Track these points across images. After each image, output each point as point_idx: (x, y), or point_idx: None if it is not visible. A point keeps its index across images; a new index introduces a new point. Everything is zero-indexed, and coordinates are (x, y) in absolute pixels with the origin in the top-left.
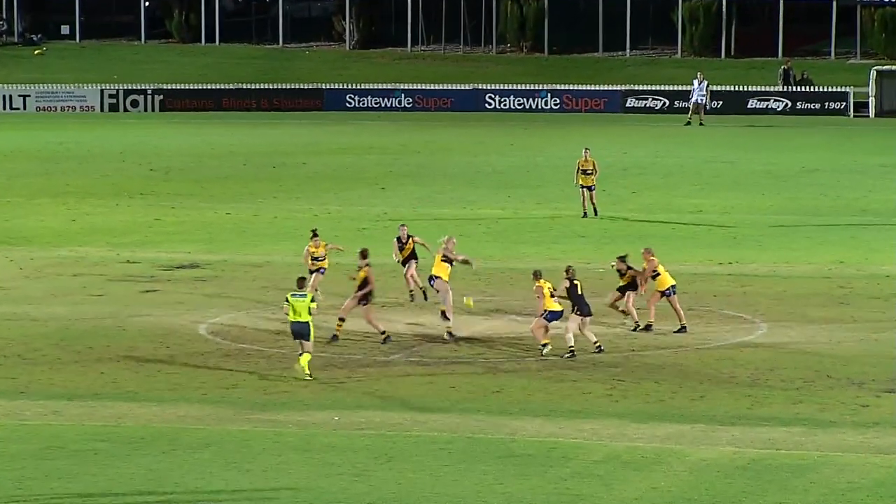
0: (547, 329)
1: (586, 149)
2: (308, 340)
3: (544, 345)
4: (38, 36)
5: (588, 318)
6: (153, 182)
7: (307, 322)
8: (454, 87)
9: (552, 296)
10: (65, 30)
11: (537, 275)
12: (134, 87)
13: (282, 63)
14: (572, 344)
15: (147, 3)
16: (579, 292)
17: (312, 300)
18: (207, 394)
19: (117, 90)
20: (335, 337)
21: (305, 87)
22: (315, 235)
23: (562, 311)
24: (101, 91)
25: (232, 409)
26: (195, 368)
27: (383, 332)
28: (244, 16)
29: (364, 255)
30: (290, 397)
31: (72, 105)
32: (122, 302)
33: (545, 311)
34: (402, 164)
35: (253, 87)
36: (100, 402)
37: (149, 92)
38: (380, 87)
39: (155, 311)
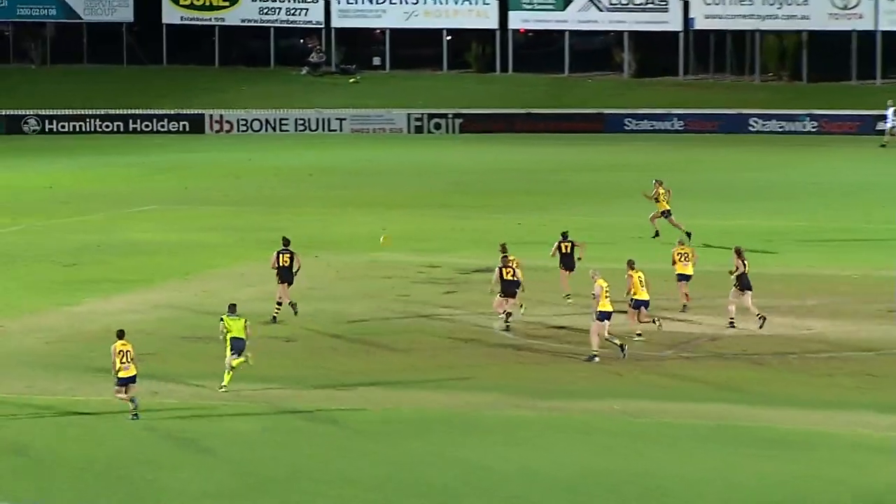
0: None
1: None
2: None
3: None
4: (353, 66)
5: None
6: (451, 195)
7: (244, 339)
8: (721, 112)
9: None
10: (376, 61)
11: (631, 264)
12: (436, 112)
13: (566, 90)
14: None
15: (449, 38)
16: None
17: (246, 321)
18: (497, 382)
19: (422, 115)
20: (622, 348)
21: (588, 112)
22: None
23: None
24: (408, 115)
25: (519, 396)
26: (488, 361)
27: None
28: (534, 48)
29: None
30: (573, 387)
31: (382, 127)
32: (425, 301)
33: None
34: (672, 180)
35: (541, 112)
36: (404, 389)
37: (450, 116)
38: (655, 112)
39: (454, 311)
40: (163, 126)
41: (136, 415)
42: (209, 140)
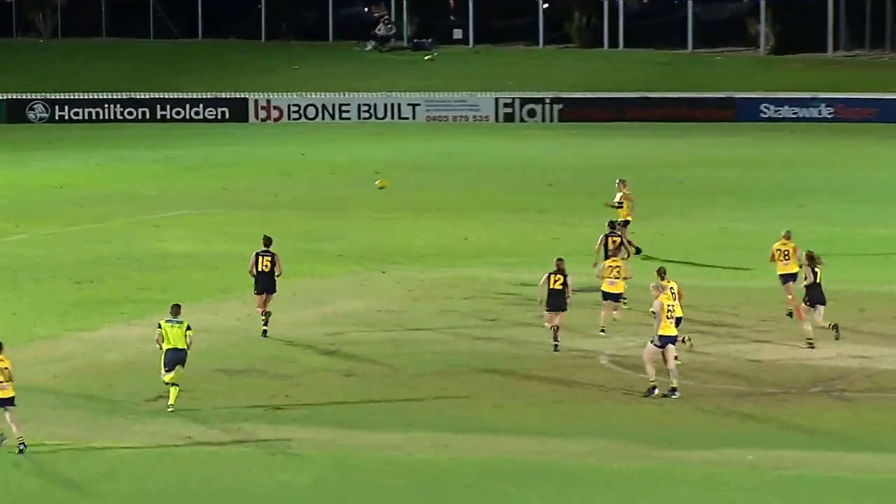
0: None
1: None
2: (182, 367)
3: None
4: (429, 41)
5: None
6: (549, 197)
7: (184, 350)
8: (880, 97)
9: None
10: (457, 34)
11: (662, 273)
12: (530, 96)
13: (688, 69)
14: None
15: (546, 6)
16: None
17: (189, 328)
18: (607, 427)
19: (513, 99)
20: None
21: (716, 96)
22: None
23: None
24: (496, 100)
25: (628, 442)
26: (594, 401)
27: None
28: (649, 18)
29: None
30: (695, 431)
31: (463, 115)
32: (516, 329)
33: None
34: (821, 179)
35: (657, 96)
36: (492, 435)
37: (547, 101)
38: (797, 96)
39: (548, 337)
40: (197, 113)
41: (21, 447)
42: (253, 130)
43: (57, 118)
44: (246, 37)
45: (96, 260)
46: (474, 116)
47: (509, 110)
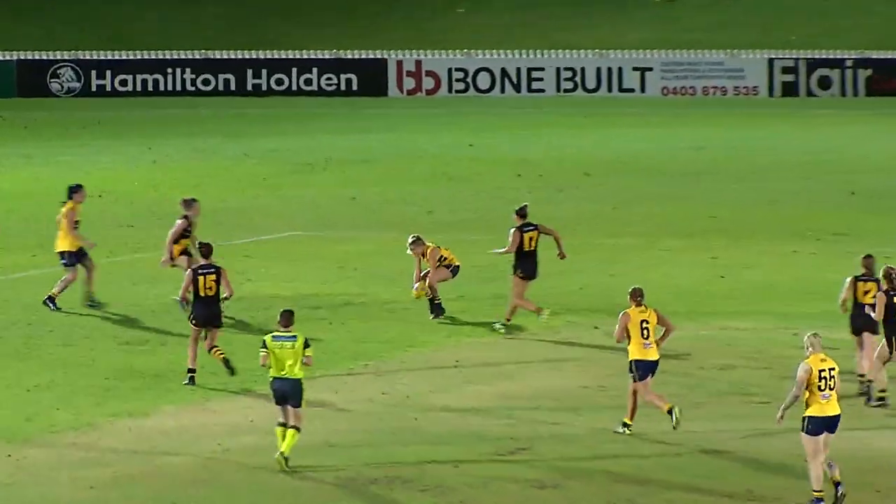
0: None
1: None
2: (298, 406)
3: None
4: None
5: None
6: (851, 211)
7: (298, 380)
8: None
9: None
10: None
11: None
12: (822, 56)
13: None
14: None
15: None
16: None
17: (307, 345)
18: None
19: (795, 61)
20: None
21: None
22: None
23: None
24: (769, 61)
25: None
26: None
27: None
28: None
29: None
30: None
31: (719, 84)
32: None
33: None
34: None
35: None
36: None
37: (847, 63)
38: None
39: (869, 432)
40: (308, 81)
41: None
42: (395, 107)
43: (94, 89)
44: None
45: (153, 308)
46: (736, 88)
47: (790, 78)
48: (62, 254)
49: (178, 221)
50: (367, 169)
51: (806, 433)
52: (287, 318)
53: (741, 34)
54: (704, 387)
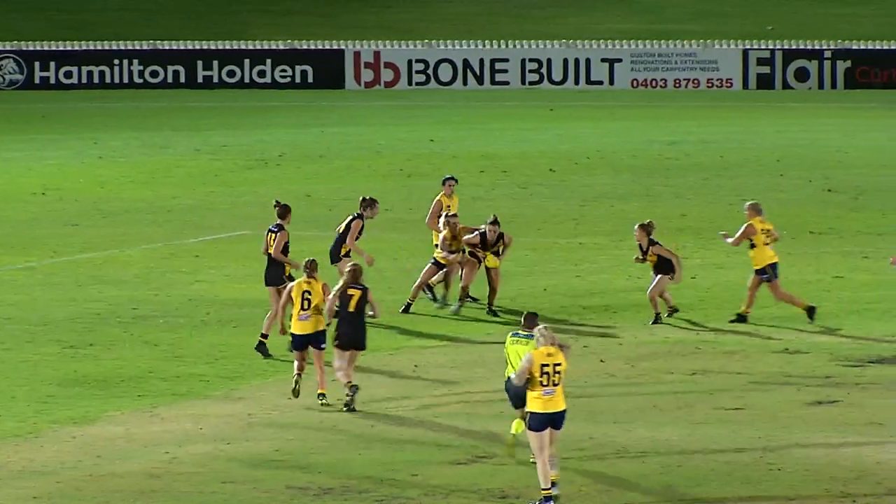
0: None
1: None
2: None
3: None
4: None
5: None
6: (832, 209)
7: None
8: None
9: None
10: None
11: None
12: (799, 48)
13: None
14: None
15: None
16: None
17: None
18: None
19: (771, 52)
20: None
21: None
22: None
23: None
24: (744, 52)
25: None
26: None
27: None
28: None
29: None
30: None
31: (692, 77)
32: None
33: None
34: None
35: None
36: None
37: (825, 54)
38: None
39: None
40: (262, 73)
41: None
42: (352, 100)
43: (38, 81)
44: None
45: (99, 312)
46: (708, 80)
47: (765, 70)
48: None
49: (354, 221)
50: (323, 165)
51: (529, 429)
52: (532, 319)
53: (714, 24)
54: (674, 393)
